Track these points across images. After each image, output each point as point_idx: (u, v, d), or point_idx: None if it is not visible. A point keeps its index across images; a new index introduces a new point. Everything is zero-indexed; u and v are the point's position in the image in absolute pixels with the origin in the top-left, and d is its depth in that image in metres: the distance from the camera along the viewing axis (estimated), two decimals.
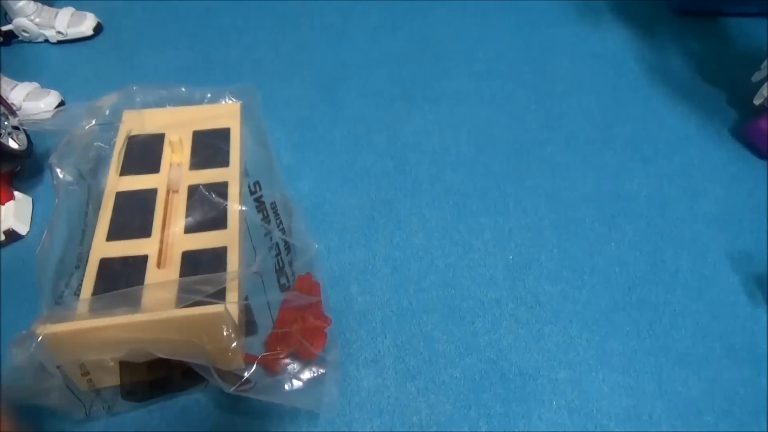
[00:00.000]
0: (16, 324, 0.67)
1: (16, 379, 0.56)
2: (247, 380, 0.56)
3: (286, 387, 0.58)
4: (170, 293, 0.60)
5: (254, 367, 0.54)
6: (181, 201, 0.70)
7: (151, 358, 0.58)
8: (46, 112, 0.92)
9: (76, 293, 0.64)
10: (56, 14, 1.07)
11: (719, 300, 0.73)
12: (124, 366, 0.58)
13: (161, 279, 0.63)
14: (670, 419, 0.63)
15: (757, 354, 0.68)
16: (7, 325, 0.69)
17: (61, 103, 0.95)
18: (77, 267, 0.68)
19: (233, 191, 0.71)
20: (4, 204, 0.78)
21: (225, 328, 0.56)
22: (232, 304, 0.57)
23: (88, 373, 0.59)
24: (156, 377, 0.60)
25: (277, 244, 0.71)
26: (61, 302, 0.65)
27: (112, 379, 0.59)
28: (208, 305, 0.56)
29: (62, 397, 0.58)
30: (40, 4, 1.07)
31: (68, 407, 0.59)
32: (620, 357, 0.68)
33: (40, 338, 0.54)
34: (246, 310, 0.64)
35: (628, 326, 0.70)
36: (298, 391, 0.58)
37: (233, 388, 0.55)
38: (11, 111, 0.81)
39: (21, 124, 0.81)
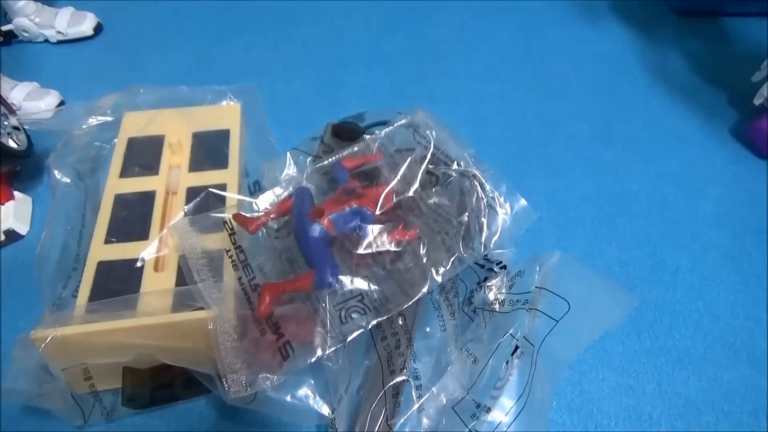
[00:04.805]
0: (16, 324, 0.68)
1: (17, 381, 0.57)
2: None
3: (289, 400, 0.57)
4: (170, 299, 0.60)
5: (258, 378, 0.54)
6: (179, 203, 0.70)
7: (156, 363, 0.58)
8: (46, 111, 0.93)
9: (74, 295, 0.64)
10: (56, 14, 1.07)
11: (719, 300, 0.73)
12: (127, 371, 0.58)
13: (159, 282, 0.63)
14: (670, 419, 0.63)
15: (757, 354, 0.68)
16: (7, 325, 0.69)
17: (61, 103, 0.95)
18: (75, 269, 0.69)
19: (231, 193, 0.71)
20: (3, 204, 0.78)
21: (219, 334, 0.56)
22: (227, 311, 0.57)
23: (90, 377, 0.59)
24: (158, 384, 0.60)
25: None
26: (59, 303, 0.65)
27: (114, 383, 0.60)
28: (204, 310, 0.57)
29: (63, 401, 0.58)
30: (39, 4, 1.07)
31: (68, 412, 0.59)
32: (620, 357, 0.68)
33: (47, 340, 0.53)
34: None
35: (628, 326, 0.70)
36: (302, 406, 0.58)
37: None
38: (11, 111, 0.81)
39: (21, 123, 0.81)
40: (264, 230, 0.64)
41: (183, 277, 0.62)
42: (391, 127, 0.71)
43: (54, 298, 0.66)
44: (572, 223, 0.81)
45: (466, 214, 0.62)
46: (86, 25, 1.08)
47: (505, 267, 0.63)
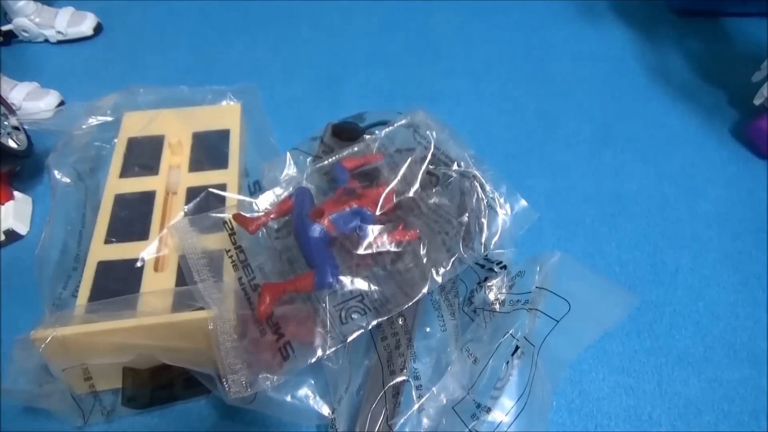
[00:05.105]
0: (16, 324, 0.67)
1: (17, 381, 0.57)
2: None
3: (289, 400, 0.57)
4: (170, 299, 0.60)
5: (258, 378, 0.54)
6: (179, 203, 0.70)
7: (156, 363, 0.58)
8: (46, 111, 0.93)
9: (74, 295, 0.64)
10: (56, 14, 1.07)
11: (719, 300, 0.73)
12: (127, 372, 0.58)
13: (159, 282, 0.63)
14: (670, 419, 0.63)
15: (757, 354, 0.68)
16: (7, 325, 0.69)
17: (61, 103, 0.95)
18: (75, 269, 0.69)
19: (231, 193, 0.71)
20: (3, 204, 0.78)
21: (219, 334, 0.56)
22: (227, 311, 0.57)
23: (90, 377, 0.59)
24: (158, 384, 0.60)
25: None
26: (59, 304, 0.65)
27: (114, 383, 0.60)
28: (204, 310, 0.57)
29: (63, 401, 0.58)
30: (39, 4, 1.07)
31: (68, 412, 0.59)
32: (620, 357, 0.68)
33: (47, 341, 0.53)
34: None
35: (628, 326, 0.70)
36: (303, 406, 0.58)
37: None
38: (11, 111, 0.81)
39: (21, 123, 0.81)
40: (264, 230, 0.64)
41: (183, 277, 0.62)
42: (391, 127, 0.71)
43: (54, 298, 0.66)
44: (572, 223, 0.81)
45: (467, 214, 0.62)
46: (86, 25, 1.08)
47: (505, 267, 0.63)
